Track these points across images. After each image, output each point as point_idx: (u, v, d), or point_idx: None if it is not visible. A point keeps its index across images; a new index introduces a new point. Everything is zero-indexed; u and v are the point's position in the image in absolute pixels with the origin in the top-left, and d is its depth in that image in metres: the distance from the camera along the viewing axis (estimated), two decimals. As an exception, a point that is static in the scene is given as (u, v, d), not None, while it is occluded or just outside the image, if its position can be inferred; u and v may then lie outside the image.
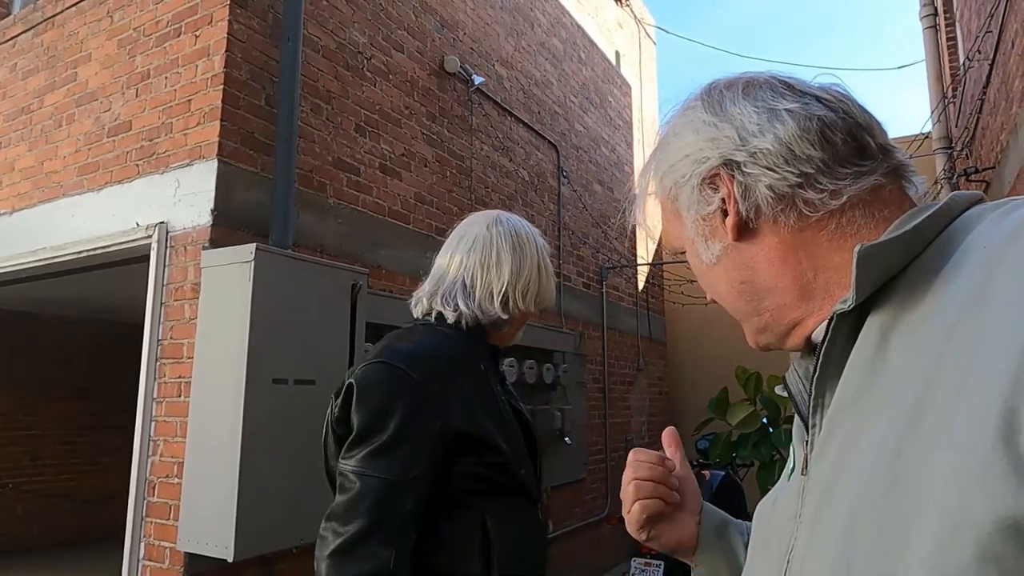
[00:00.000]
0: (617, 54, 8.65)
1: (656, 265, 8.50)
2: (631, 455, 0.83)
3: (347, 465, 1.12)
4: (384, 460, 1.10)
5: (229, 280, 2.82)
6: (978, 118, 4.90)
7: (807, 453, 0.57)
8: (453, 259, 1.33)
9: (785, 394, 0.63)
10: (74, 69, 3.84)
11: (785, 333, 0.62)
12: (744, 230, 0.61)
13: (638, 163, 8.14)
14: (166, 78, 3.36)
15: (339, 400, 1.18)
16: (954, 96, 5.74)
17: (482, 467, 1.18)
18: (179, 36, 3.36)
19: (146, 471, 3.04)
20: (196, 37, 3.28)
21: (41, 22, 4.11)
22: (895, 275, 0.52)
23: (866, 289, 0.51)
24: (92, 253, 3.47)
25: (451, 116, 4.81)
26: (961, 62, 5.49)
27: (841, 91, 0.61)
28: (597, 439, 6.49)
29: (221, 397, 2.74)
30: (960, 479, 0.39)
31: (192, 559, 2.77)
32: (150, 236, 3.20)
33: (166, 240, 3.17)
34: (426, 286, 1.35)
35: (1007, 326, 0.41)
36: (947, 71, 5.97)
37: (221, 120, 3.10)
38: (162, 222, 3.18)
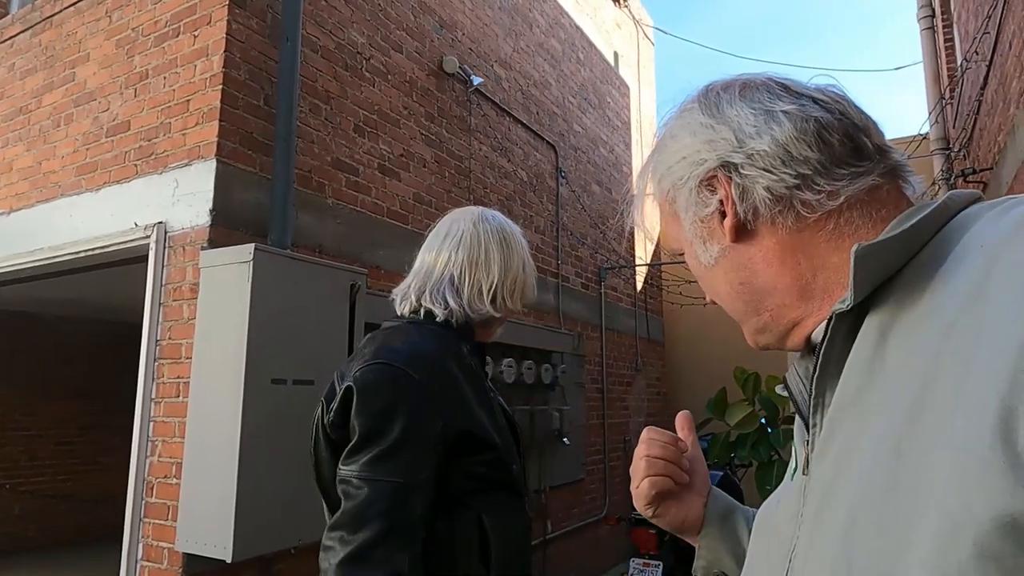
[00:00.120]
0: (615, 55, 8.65)
1: (654, 266, 8.51)
2: (645, 432, 0.84)
3: (350, 471, 1.08)
4: (392, 463, 1.07)
5: (228, 280, 2.82)
6: (975, 119, 4.91)
7: (808, 453, 0.57)
8: (440, 255, 1.30)
9: (785, 394, 0.63)
10: (72, 69, 3.83)
11: (784, 333, 0.62)
12: (742, 231, 0.61)
13: (636, 164, 8.15)
14: (165, 78, 3.35)
15: (335, 404, 1.14)
16: (951, 97, 5.75)
17: (483, 466, 1.18)
18: (178, 36, 3.36)
19: (144, 471, 3.04)
20: (195, 37, 3.28)
21: (39, 22, 4.11)
22: (893, 274, 0.52)
23: (864, 289, 0.51)
24: (90, 253, 3.47)
25: (450, 116, 4.81)
26: (959, 63, 5.49)
27: (838, 92, 0.61)
28: (595, 440, 6.50)
29: (220, 397, 2.74)
30: (959, 478, 0.39)
31: (190, 559, 2.76)
32: (148, 236, 3.19)
33: (165, 240, 3.16)
34: (411, 281, 1.32)
35: (1005, 325, 0.41)
36: (945, 72, 5.98)
37: (220, 120, 3.10)
38: (161, 222, 3.18)
